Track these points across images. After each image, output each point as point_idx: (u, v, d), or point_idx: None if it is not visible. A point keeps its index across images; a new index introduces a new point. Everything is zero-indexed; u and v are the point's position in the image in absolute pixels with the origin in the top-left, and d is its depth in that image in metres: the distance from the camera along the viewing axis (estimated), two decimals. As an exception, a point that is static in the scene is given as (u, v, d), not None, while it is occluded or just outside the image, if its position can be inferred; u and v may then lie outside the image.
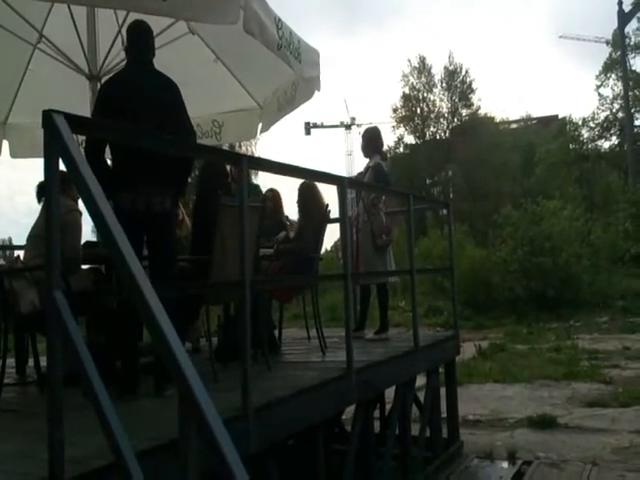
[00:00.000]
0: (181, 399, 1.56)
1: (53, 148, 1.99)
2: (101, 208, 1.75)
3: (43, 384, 3.72)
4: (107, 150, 3.67)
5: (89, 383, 1.83)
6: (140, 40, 3.72)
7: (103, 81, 4.97)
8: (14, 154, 6.45)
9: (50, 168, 1.99)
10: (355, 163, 45.01)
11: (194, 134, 3.90)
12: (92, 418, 1.83)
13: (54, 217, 1.98)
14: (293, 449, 4.22)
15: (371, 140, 6.10)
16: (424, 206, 10.44)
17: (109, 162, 3.69)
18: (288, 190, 5.82)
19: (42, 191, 4.06)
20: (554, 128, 38.54)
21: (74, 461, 2.03)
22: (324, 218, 5.14)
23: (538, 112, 49.60)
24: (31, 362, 4.19)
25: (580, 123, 35.63)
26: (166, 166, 3.52)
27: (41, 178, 4.05)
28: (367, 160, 6.08)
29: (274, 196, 5.82)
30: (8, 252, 7.29)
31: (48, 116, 1.98)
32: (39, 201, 4.06)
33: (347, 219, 4.21)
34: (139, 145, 2.92)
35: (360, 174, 6.29)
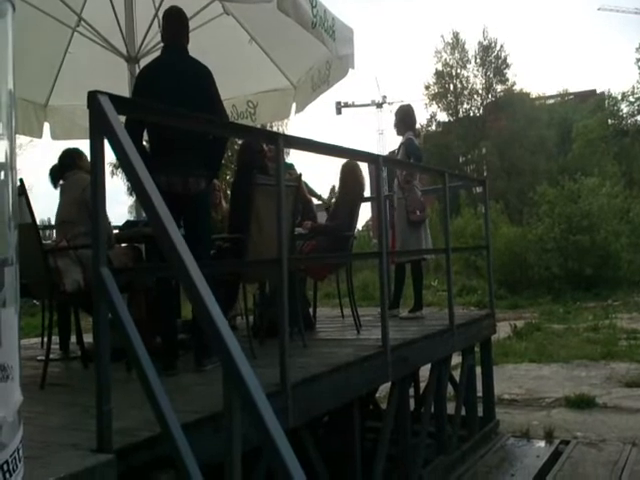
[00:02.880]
0: (226, 374, 1.59)
1: (98, 128, 2.02)
2: (146, 186, 1.78)
3: (86, 359, 3.83)
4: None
5: (135, 356, 1.87)
6: (174, 27, 3.74)
7: (141, 63, 5.04)
8: (55, 136, 6.57)
9: (95, 148, 2.02)
10: (386, 142, 44.58)
11: (227, 119, 3.94)
12: (133, 393, 1.86)
13: (100, 197, 2.02)
14: (329, 425, 4.28)
15: (404, 118, 6.07)
16: (459, 184, 10.31)
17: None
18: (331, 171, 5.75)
19: (56, 176, 4.09)
20: (592, 103, 37.48)
21: (120, 433, 2.08)
22: (358, 197, 5.13)
23: (575, 87, 48.42)
24: (73, 338, 4.31)
25: (619, 97, 34.62)
26: (201, 147, 3.60)
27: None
28: (400, 138, 6.06)
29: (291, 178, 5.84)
30: (48, 232, 7.44)
31: (93, 97, 2.01)
32: (55, 186, 4.09)
33: (382, 197, 4.20)
34: (178, 126, 2.96)
35: (392, 152, 6.27)
